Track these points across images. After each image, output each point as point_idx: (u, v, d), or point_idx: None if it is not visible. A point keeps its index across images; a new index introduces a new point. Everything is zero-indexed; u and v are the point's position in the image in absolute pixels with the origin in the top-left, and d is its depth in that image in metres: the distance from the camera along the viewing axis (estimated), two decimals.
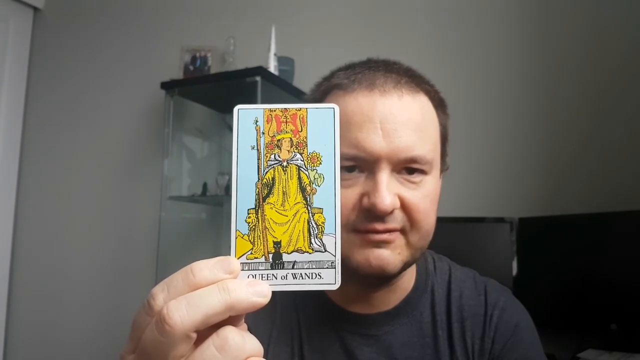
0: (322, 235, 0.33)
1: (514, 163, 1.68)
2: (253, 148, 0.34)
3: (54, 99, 2.56)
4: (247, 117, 0.34)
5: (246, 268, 0.32)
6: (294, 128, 0.34)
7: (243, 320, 0.32)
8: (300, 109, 0.34)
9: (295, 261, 0.33)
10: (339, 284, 0.33)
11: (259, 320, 0.60)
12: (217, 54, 2.00)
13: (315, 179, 0.34)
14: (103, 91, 2.44)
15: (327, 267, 0.33)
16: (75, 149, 2.46)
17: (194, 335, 0.29)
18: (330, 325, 0.61)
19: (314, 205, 0.34)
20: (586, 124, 1.61)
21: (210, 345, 0.29)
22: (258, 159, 0.34)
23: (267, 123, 0.34)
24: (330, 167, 0.34)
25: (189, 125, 2.13)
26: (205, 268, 0.30)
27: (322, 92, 0.59)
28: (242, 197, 0.33)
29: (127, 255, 2.25)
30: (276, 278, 0.33)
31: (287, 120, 0.34)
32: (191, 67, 1.99)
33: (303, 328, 0.61)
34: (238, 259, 0.32)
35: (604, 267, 1.35)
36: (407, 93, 0.56)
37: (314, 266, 0.33)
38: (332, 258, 0.33)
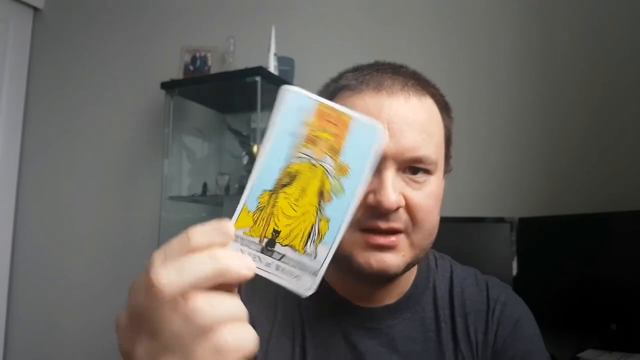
0: (319, 243, 0.33)
1: (514, 163, 1.67)
2: (291, 134, 0.33)
3: (54, 99, 2.56)
4: (296, 101, 0.34)
5: (238, 242, 0.33)
6: (335, 132, 0.34)
7: (235, 290, 0.32)
8: (346, 114, 0.34)
9: (284, 255, 0.33)
10: (311, 293, 0.33)
11: (260, 315, 0.61)
12: (217, 54, 2.00)
13: (335, 189, 0.33)
14: (103, 91, 2.44)
15: (308, 274, 0.33)
16: (75, 149, 2.46)
17: (181, 300, 0.29)
18: (333, 319, 0.62)
19: (324, 213, 0.33)
20: (586, 124, 1.61)
21: (178, 309, 0.29)
22: (291, 147, 0.33)
23: (313, 116, 0.34)
24: (354, 183, 0.33)
25: (189, 126, 2.13)
26: (200, 233, 0.31)
27: (331, 93, 0.61)
28: (263, 176, 0.33)
29: (127, 255, 2.25)
30: (260, 262, 0.33)
31: (331, 120, 0.34)
32: (191, 67, 1.99)
33: (305, 322, 0.62)
34: (235, 229, 0.33)
35: (604, 267, 1.35)
36: (414, 95, 0.57)
37: (297, 267, 0.33)
38: (317, 267, 0.33)
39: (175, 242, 0.31)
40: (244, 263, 0.31)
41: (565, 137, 1.63)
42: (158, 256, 0.31)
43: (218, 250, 0.30)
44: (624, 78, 1.57)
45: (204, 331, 0.29)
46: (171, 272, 0.29)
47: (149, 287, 0.29)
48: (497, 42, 1.76)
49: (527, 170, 1.65)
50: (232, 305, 0.30)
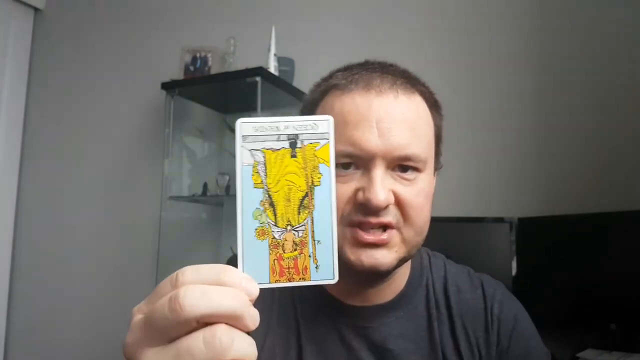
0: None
1: (513, 163, 1.68)
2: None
3: (54, 99, 2.56)
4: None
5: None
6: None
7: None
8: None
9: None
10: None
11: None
12: (218, 54, 2.00)
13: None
14: (103, 91, 2.44)
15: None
16: (76, 149, 2.46)
17: (194, 325, 0.30)
18: (328, 318, 0.62)
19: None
20: (586, 123, 1.61)
21: (199, 335, 0.30)
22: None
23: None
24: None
25: (190, 126, 2.13)
26: (237, 275, 0.32)
27: (321, 93, 0.61)
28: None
29: (127, 255, 2.25)
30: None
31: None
32: (191, 68, 1.99)
33: (301, 321, 0.62)
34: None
35: (604, 267, 1.35)
36: (403, 93, 0.57)
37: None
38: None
39: (214, 268, 0.32)
40: (256, 317, 0.32)
41: (565, 137, 1.63)
42: (190, 272, 0.31)
43: (243, 294, 0.31)
44: (625, 78, 1.57)
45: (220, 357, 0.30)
46: (197, 295, 0.30)
47: (172, 302, 0.30)
48: (497, 42, 1.76)
49: (526, 170, 1.65)
50: (250, 343, 0.31)
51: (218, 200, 2.06)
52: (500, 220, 1.51)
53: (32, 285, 2.44)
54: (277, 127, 0.35)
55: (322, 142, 0.35)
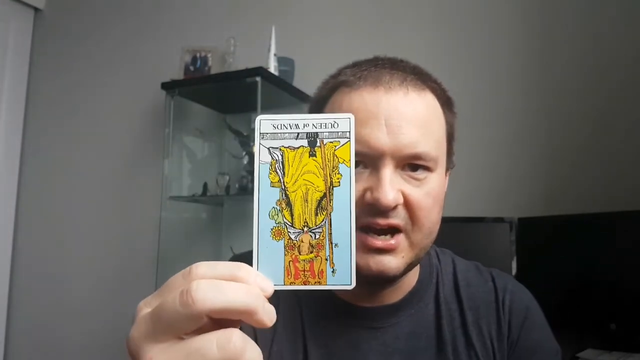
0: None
1: (513, 163, 1.68)
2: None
3: (54, 99, 2.56)
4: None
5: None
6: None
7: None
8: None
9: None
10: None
11: None
12: (218, 54, 2.00)
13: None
14: (103, 91, 2.44)
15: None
16: (76, 150, 2.46)
17: (205, 320, 0.29)
18: (335, 320, 0.61)
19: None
20: (586, 123, 1.61)
21: (212, 338, 0.29)
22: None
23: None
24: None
25: (190, 126, 2.13)
26: (253, 274, 0.31)
27: (329, 90, 0.60)
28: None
29: (127, 255, 2.25)
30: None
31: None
32: (191, 68, 1.99)
33: (307, 324, 0.61)
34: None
35: (604, 267, 1.35)
36: (413, 90, 0.56)
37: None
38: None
39: (228, 264, 0.31)
40: (272, 314, 0.31)
41: (565, 136, 1.63)
42: (205, 266, 0.31)
43: (257, 290, 0.31)
44: (625, 77, 1.57)
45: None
46: (210, 290, 0.29)
47: (184, 295, 0.29)
48: (498, 41, 1.76)
49: (526, 170, 1.65)
50: (259, 354, 0.30)
51: (218, 200, 2.06)
52: (500, 220, 1.51)
53: (32, 285, 2.44)
54: (296, 124, 0.34)
55: (343, 141, 0.34)
